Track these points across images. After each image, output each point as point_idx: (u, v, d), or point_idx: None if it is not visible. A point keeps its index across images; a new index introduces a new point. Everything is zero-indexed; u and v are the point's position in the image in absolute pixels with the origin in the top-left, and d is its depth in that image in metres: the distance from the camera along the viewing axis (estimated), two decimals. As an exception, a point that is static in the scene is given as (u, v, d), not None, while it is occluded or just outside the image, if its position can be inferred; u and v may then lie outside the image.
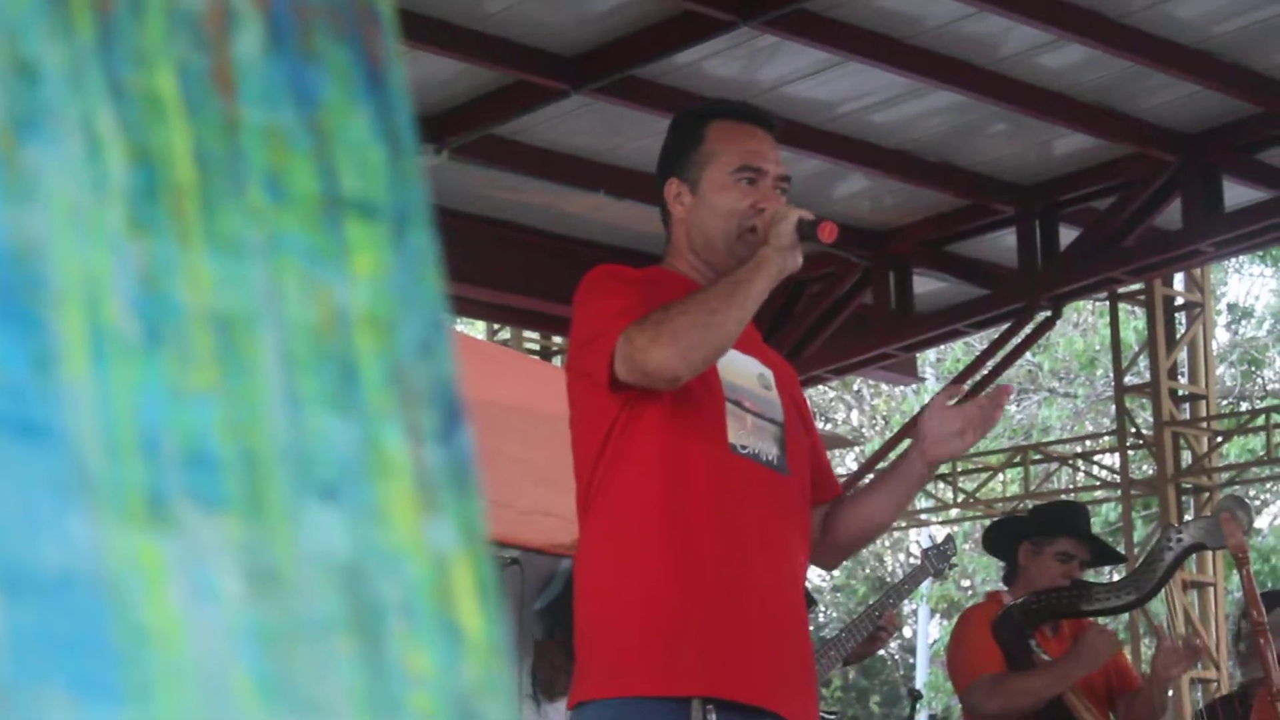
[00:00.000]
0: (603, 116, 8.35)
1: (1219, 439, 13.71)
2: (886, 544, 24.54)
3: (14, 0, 0.60)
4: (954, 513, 17.58)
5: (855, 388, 24.45)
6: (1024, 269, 9.63)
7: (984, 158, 9.11)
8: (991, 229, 9.83)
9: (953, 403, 3.22)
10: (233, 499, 0.60)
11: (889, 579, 22.67)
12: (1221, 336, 22.53)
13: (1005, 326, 10.34)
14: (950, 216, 9.76)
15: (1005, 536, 5.76)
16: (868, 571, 24.71)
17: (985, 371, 10.87)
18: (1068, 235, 9.54)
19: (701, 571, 3.00)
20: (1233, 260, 22.22)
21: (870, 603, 6.42)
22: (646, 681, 2.96)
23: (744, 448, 3.10)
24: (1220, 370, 21.55)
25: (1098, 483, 15.77)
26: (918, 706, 7.38)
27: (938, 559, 6.81)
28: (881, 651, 9.59)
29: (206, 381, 0.60)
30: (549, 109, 8.12)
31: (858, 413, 25.23)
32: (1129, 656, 6.25)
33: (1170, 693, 5.81)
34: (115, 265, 0.60)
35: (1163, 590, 5.37)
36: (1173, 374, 13.21)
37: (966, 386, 10.97)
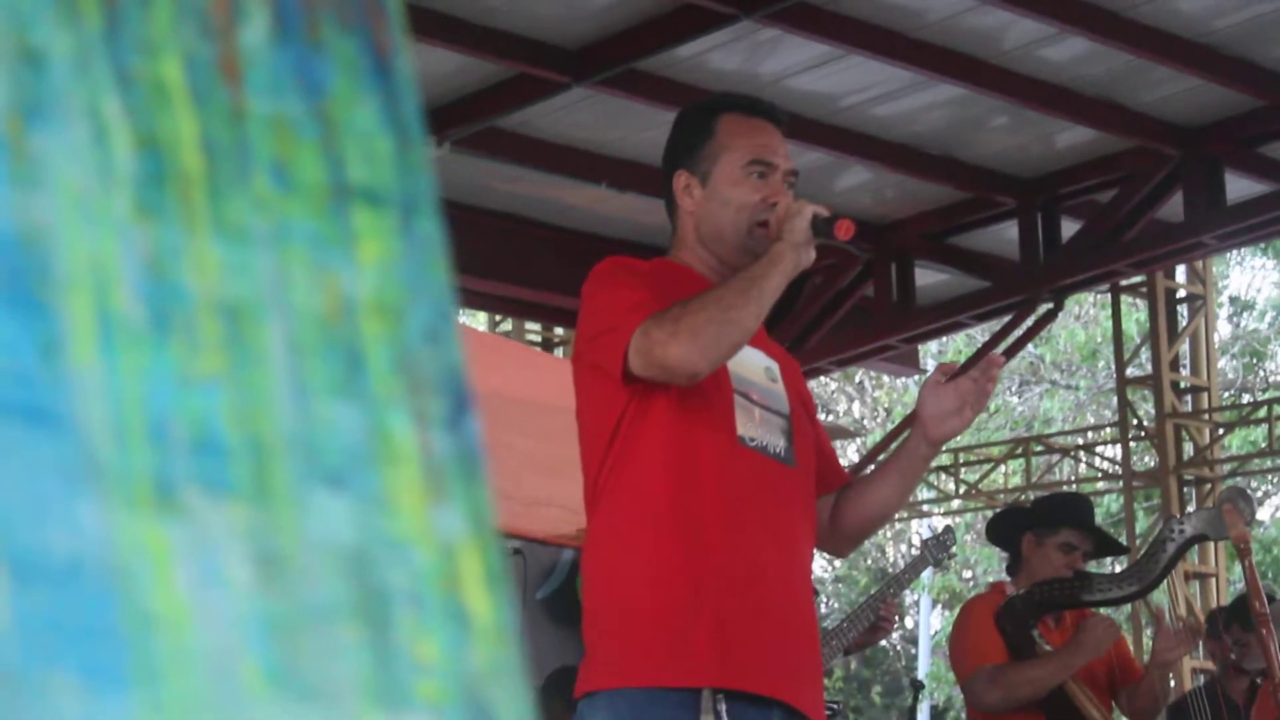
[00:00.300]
0: (604, 109, 8.35)
1: (1221, 431, 13.71)
2: (888, 535, 24.54)
3: (21, -12, 0.60)
4: (956, 504, 17.59)
5: (857, 379, 24.45)
6: (1026, 261, 9.63)
7: (986, 151, 9.11)
8: (993, 221, 9.82)
9: (946, 380, 3.24)
10: (240, 486, 0.60)
11: (891, 570, 22.69)
12: (1223, 329, 22.53)
13: (1007, 319, 10.34)
14: (952, 209, 9.75)
15: (1008, 527, 5.77)
16: (869, 562, 24.72)
17: (987, 364, 10.84)
18: (1070, 228, 9.53)
19: (711, 563, 3.01)
20: (1234, 253, 22.22)
21: (872, 593, 6.42)
22: (657, 672, 2.97)
23: (752, 440, 3.10)
24: (1222, 363, 21.54)
25: (1099, 474, 15.78)
26: (920, 697, 7.38)
27: (937, 549, 6.81)
28: (883, 642, 9.59)
29: (214, 368, 0.61)
30: (551, 102, 8.11)
31: (859, 404, 25.23)
32: (1131, 647, 6.24)
33: (1172, 681, 5.81)
34: (122, 251, 0.60)
35: (1165, 581, 5.37)
36: (1174, 366, 13.21)
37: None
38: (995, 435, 21.62)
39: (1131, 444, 13.94)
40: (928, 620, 23.36)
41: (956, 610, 5.60)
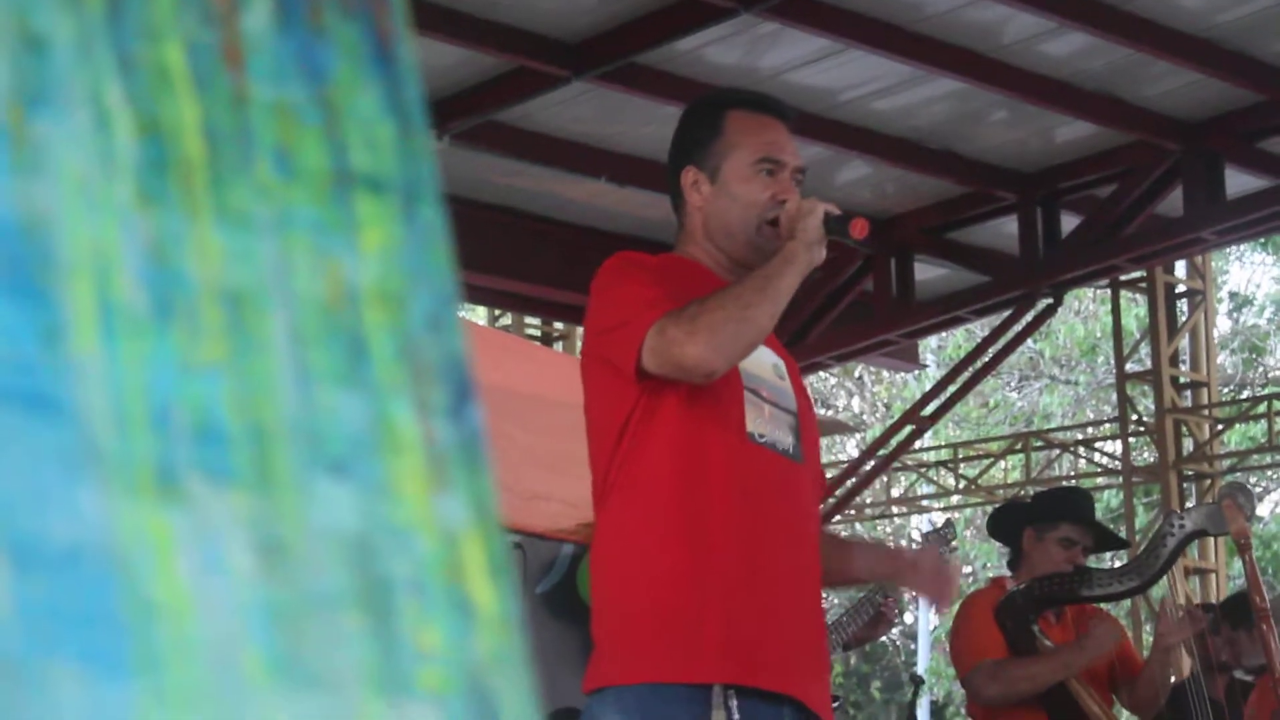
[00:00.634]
0: (604, 103, 8.35)
1: (1220, 426, 13.72)
2: (888, 530, 24.54)
3: (22, -27, 0.59)
4: (955, 499, 17.59)
5: (856, 374, 24.45)
6: (1025, 256, 9.63)
7: (986, 145, 9.11)
8: (993, 216, 9.82)
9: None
10: (242, 473, 0.60)
11: (890, 566, 22.65)
12: (1223, 324, 22.53)
13: (1007, 313, 10.34)
14: (952, 204, 9.75)
15: (1009, 522, 5.77)
16: (869, 559, 24.69)
17: (986, 358, 10.87)
18: (1069, 222, 9.53)
19: (721, 559, 3.01)
20: (1234, 248, 22.22)
21: (870, 588, 6.42)
22: (668, 668, 2.96)
23: (761, 436, 3.10)
24: (1221, 358, 21.54)
25: (1099, 469, 15.78)
26: (919, 692, 7.38)
27: (937, 543, 6.80)
28: (883, 637, 9.59)
29: (216, 355, 0.60)
30: (550, 95, 8.11)
31: (859, 399, 25.24)
32: (1132, 643, 6.25)
33: (1172, 675, 5.81)
34: (124, 238, 0.60)
35: (1165, 576, 5.37)
36: (1174, 361, 13.21)
37: (968, 372, 10.97)
38: (995, 430, 21.63)
39: (1131, 439, 13.94)
40: (927, 615, 23.35)
41: (956, 605, 5.60)
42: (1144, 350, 14.69)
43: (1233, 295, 23.33)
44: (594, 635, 3.09)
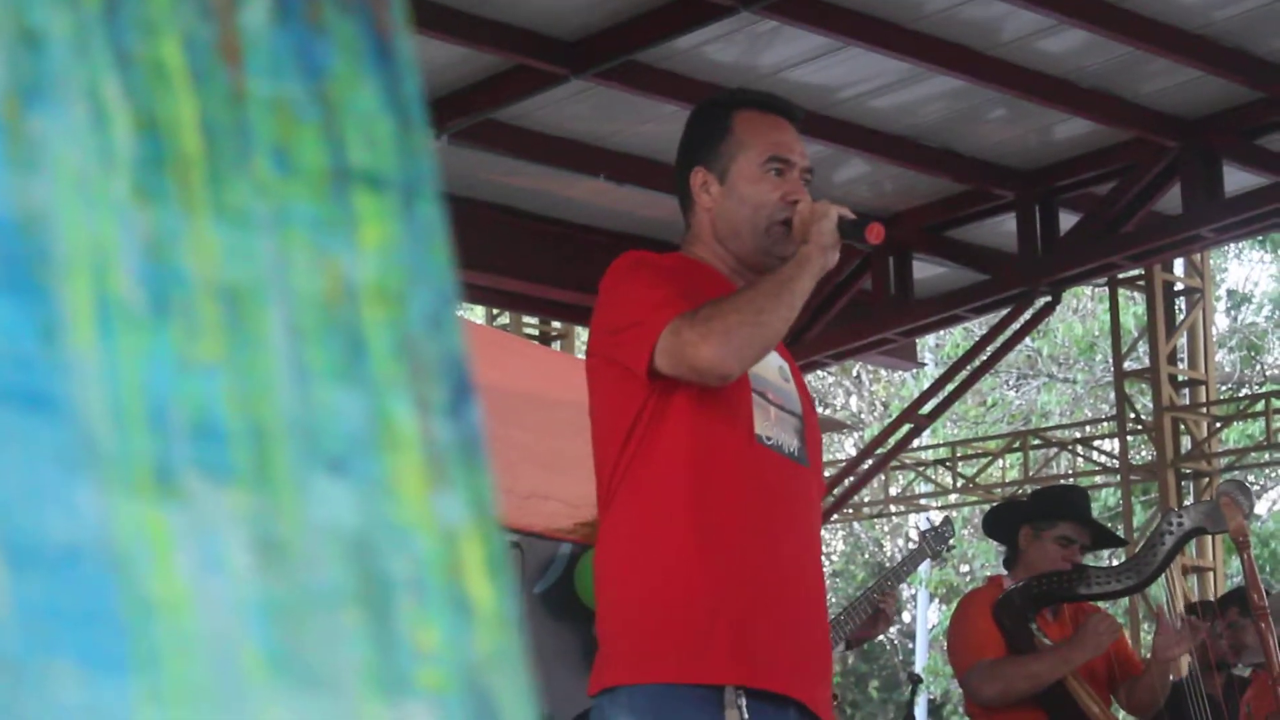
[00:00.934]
0: (603, 101, 8.35)
1: (1218, 424, 13.72)
2: (886, 529, 24.55)
3: (19, -32, 0.59)
4: (953, 498, 17.60)
5: (854, 373, 24.46)
6: (1024, 254, 9.63)
7: (984, 143, 9.11)
8: (991, 214, 9.83)
9: None
10: (240, 471, 0.59)
11: (888, 564, 22.68)
12: (1221, 322, 22.54)
13: (1005, 312, 10.34)
14: (950, 202, 9.76)
15: (1005, 521, 5.77)
16: (866, 556, 24.73)
17: (985, 357, 10.87)
18: (1068, 220, 9.54)
19: (732, 561, 3.01)
20: (1233, 246, 22.22)
21: (869, 586, 6.42)
22: (678, 668, 2.96)
23: (769, 439, 3.10)
24: (1220, 356, 21.55)
25: (1097, 468, 15.78)
26: (917, 691, 7.38)
27: (935, 540, 6.81)
28: (881, 637, 9.59)
29: (214, 353, 0.60)
30: (549, 94, 8.11)
31: (857, 398, 25.24)
32: (1130, 641, 6.25)
33: (1171, 676, 5.81)
34: (121, 235, 0.59)
35: (1163, 575, 5.37)
36: (1172, 359, 13.21)
37: (966, 371, 10.97)
38: (993, 429, 21.63)
39: (1129, 437, 13.94)
40: (925, 614, 23.38)
41: (954, 604, 5.60)
42: (1142, 348, 14.70)
43: (1231, 293, 23.34)
44: (599, 635, 3.09)
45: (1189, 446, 13.15)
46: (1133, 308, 18.08)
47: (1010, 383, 23.50)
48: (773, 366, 3.19)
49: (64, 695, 0.55)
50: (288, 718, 0.58)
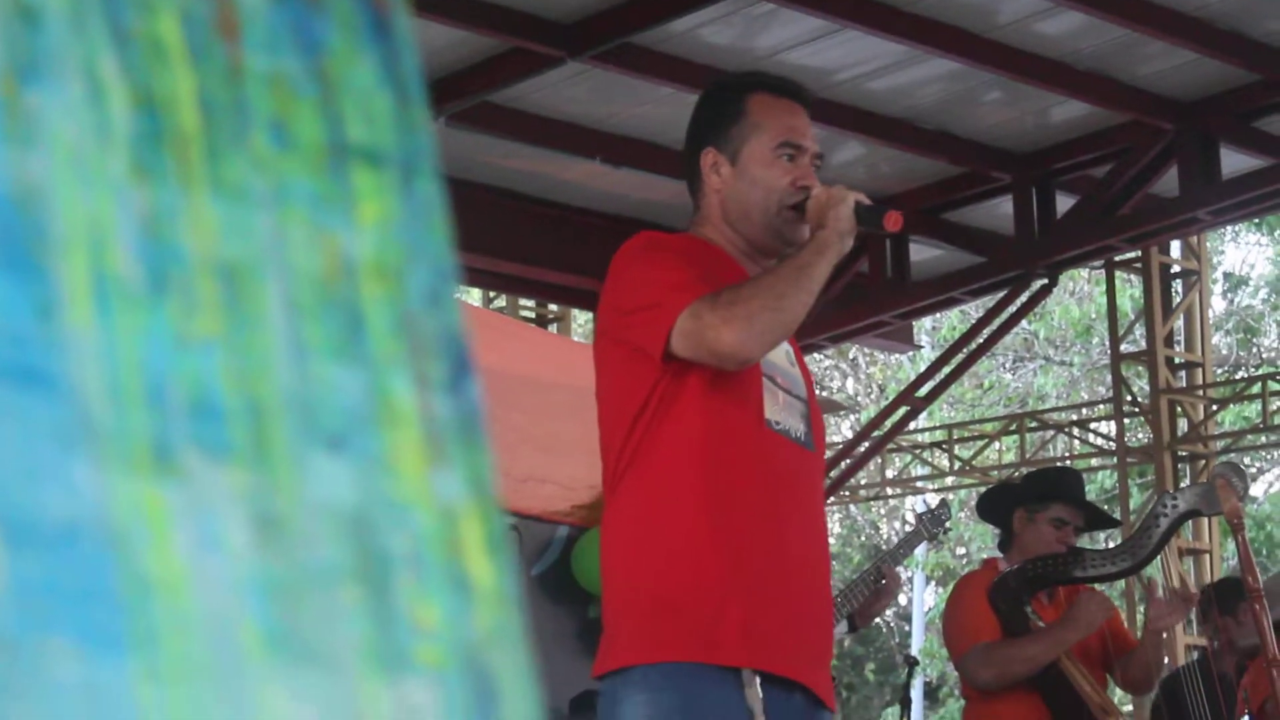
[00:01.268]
0: (599, 84, 8.33)
1: (1215, 407, 13.73)
2: (882, 512, 24.57)
3: (15, -57, 0.59)
4: (950, 480, 17.60)
5: (851, 355, 24.46)
6: (1020, 237, 9.63)
7: (981, 125, 9.10)
8: (988, 197, 9.82)
9: None
10: (238, 448, 0.59)
11: (884, 547, 22.70)
12: (1218, 304, 22.53)
13: (1001, 294, 10.34)
14: (947, 184, 9.75)
15: (999, 503, 5.77)
16: (863, 539, 24.75)
17: (981, 339, 10.87)
18: (1064, 203, 9.53)
19: (742, 545, 3.01)
20: (1229, 228, 22.22)
21: (865, 568, 6.41)
22: (692, 649, 2.96)
23: (777, 424, 3.10)
24: (1216, 338, 21.56)
25: (1094, 450, 15.78)
26: (913, 674, 7.38)
27: (932, 523, 6.81)
28: (878, 619, 9.58)
29: (211, 329, 0.60)
30: (545, 76, 8.10)
31: (853, 380, 25.24)
32: (1125, 622, 6.25)
33: (1165, 658, 5.81)
34: (119, 212, 0.59)
35: (1158, 557, 5.38)
36: (1169, 342, 13.21)
37: (963, 354, 10.98)
38: (989, 411, 21.64)
39: (1125, 420, 13.94)
40: (921, 597, 23.40)
41: (950, 587, 5.60)
42: (1139, 331, 14.70)
43: (1228, 276, 23.33)
44: (605, 617, 3.08)
45: (1185, 429, 13.16)
46: (1129, 290, 18.07)
47: (1007, 365, 23.51)
48: (781, 351, 3.19)
49: (62, 673, 0.55)
50: (286, 695, 0.58)
